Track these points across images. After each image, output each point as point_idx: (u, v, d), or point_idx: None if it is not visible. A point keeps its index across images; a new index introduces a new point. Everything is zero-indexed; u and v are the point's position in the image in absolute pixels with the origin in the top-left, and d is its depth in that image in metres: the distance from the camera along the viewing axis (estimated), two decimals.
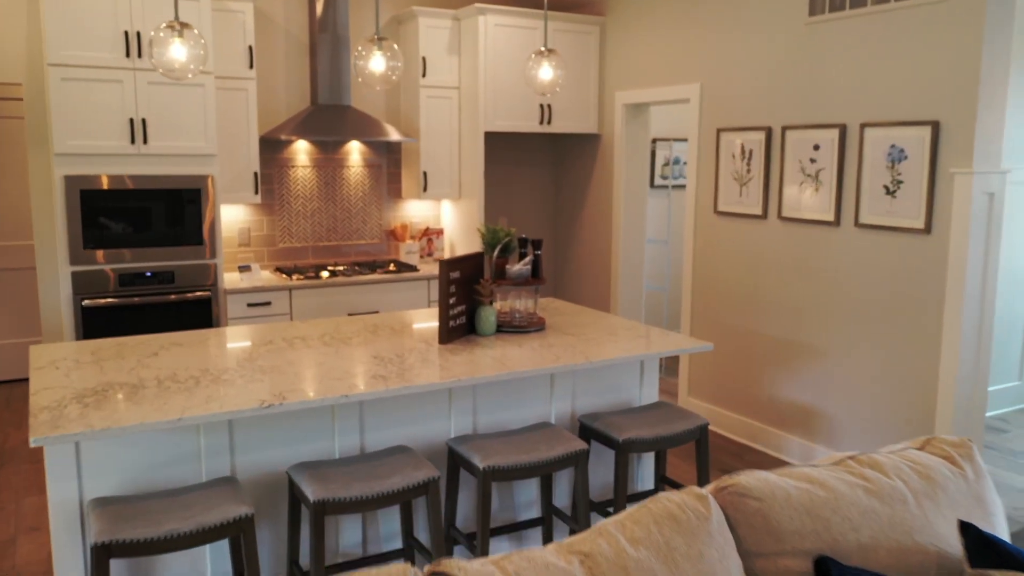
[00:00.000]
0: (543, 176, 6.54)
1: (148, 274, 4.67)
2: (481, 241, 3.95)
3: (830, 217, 4.32)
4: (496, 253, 3.69)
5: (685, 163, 7.16)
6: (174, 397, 2.67)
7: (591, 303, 6.23)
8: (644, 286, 6.04)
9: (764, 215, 4.72)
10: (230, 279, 5.15)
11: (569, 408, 3.53)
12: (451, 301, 3.47)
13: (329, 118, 5.31)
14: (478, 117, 5.53)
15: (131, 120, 4.53)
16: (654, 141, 6.87)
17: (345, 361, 3.15)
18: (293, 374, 2.96)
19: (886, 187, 4.03)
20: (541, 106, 5.73)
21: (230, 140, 5.07)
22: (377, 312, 5.20)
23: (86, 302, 4.54)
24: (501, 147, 6.31)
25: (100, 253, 4.56)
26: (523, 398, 3.41)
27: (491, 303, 3.64)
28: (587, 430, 3.40)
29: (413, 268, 5.55)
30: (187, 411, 2.54)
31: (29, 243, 6.29)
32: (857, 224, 4.19)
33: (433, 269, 5.68)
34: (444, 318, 3.44)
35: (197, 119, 4.70)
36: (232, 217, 5.44)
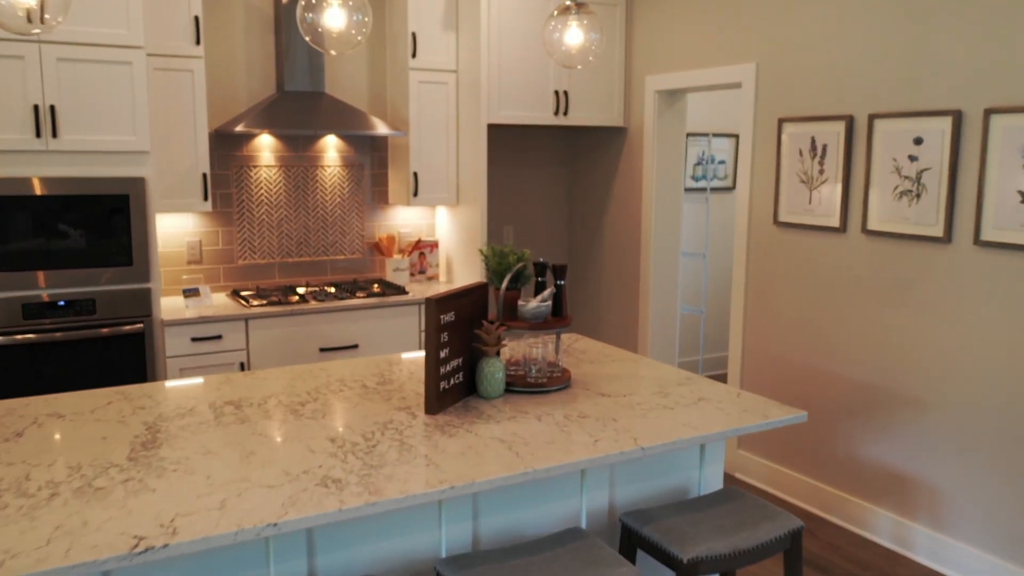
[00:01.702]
0: (557, 177, 5.54)
1: (61, 303, 3.68)
2: (484, 267, 2.96)
3: (937, 231, 3.32)
4: (505, 284, 2.70)
5: (722, 162, 6.16)
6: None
7: (616, 329, 5.23)
8: (679, 308, 5.04)
9: (842, 227, 3.72)
10: (173, 307, 4.15)
11: (606, 501, 2.54)
12: (443, 354, 2.48)
13: (299, 107, 4.32)
14: (480, 107, 4.53)
15: (36, 107, 3.53)
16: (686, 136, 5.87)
17: (288, 449, 2.15)
18: (203, 479, 1.97)
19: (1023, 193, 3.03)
20: (556, 93, 4.73)
21: (171, 134, 4.07)
22: (356, 347, 4.21)
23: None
24: (507, 143, 5.31)
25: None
26: (544, 491, 2.43)
27: (498, 353, 2.65)
28: (633, 537, 2.40)
29: (401, 290, 4.56)
30: (3, 565, 1.55)
31: None
32: (978, 242, 3.19)
33: (426, 289, 4.68)
34: (432, 380, 2.45)
35: (123, 107, 3.71)
36: (178, 229, 4.44)
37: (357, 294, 4.46)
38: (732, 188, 6.27)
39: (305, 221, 4.75)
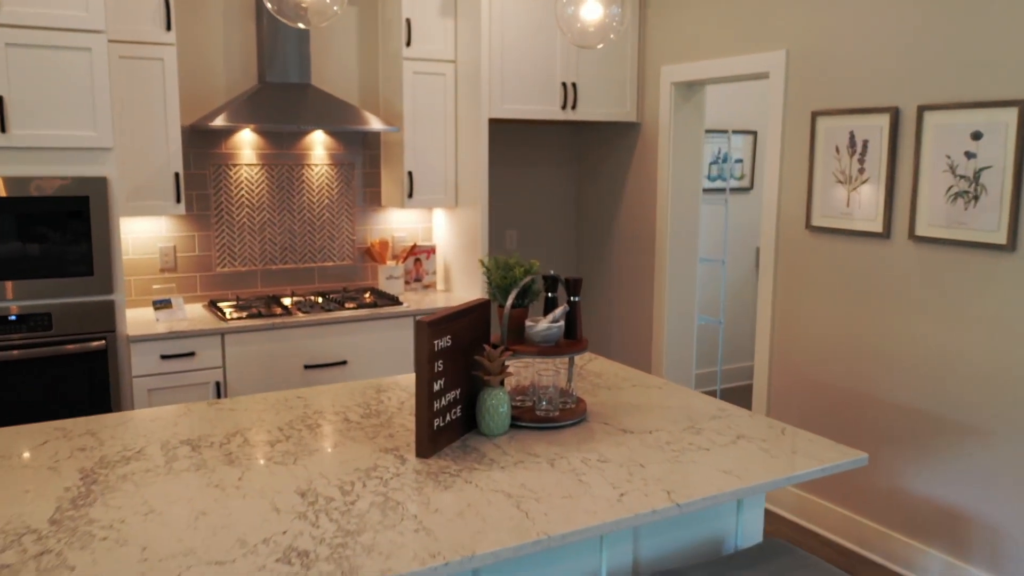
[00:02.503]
0: (564, 177, 5.15)
1: (12, 318, 3.29)
2: (486, 281, 2.58)
3: (999, 238, 2.93)
4: (511, 302, 2.31)
5: (739, 161, 5.77)
6: None
7: (628, 341, 4.83)
8: (696, 318, 4.65)
9: (886, 233, 3.33)
10: (142, 320, 3.76)
11: (629, 558, 2.14)
12: (437, 386, 2.09)
13: (283, 101, 3.93)
14: (480, 100, 4.15)
15: None
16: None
17: (248, 508, 1.76)
18: (137, 552, 1.58)
19: None
20: (564, 86, 4.34)
21: (139, 129, 3.68)
22: (344, 363, 3.82)
23: None
24: (509, 140, 4.92)
25: None
26: (556, 551, 2.03)
27: (502, 383, 2.27)
28: None
29: (395, 300, 4.17)
30: None
31: None
32: None
33: (422, 299, 4.29)
34: (425, 418, 2.07)
35: (82, 98, 3.32)
36: (149, 234, 4.05)
37: (346, 305, 4.07)
38: (749, 189, 5.88)
39: (290, 225, 4.36)
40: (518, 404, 2.43)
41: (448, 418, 2.16)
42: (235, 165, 4.18)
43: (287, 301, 4.13)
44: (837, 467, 2.08)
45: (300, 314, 3.86)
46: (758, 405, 3.99)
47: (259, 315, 3.80)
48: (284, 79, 4.06)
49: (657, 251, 4.53)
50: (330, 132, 4.37)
